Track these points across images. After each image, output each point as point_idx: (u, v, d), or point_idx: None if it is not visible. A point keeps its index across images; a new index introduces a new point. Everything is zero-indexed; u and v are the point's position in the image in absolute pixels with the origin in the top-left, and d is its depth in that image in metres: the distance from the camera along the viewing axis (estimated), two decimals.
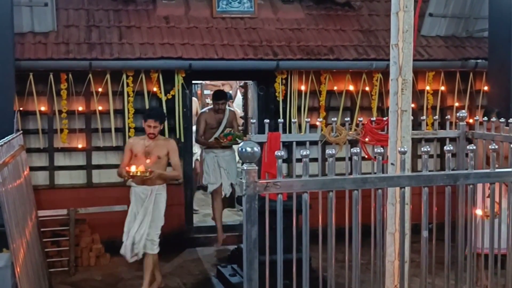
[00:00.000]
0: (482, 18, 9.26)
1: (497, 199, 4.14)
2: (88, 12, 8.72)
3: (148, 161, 6.81)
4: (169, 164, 7.03)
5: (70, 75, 8.15)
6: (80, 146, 8.43)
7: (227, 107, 8.83)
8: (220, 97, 8.70)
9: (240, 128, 10.36)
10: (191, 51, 8.36)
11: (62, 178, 8.45)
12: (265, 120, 6.12)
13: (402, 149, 3.30)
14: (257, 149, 2.99)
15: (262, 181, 3.03)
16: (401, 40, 4.49)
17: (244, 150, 2.96)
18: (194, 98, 10.81)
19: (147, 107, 8.39)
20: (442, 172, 3.32)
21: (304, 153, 3.12)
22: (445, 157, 3.55)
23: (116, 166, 8.30)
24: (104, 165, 8.55)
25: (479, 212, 4.98)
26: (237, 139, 8.53)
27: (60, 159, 8.44)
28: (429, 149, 3.33)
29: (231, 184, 8.68)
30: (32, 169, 7.96)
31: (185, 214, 8.85)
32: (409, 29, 4.51)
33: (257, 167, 3.00)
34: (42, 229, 7.36)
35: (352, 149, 3.27)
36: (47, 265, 7.23)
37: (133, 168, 6.70)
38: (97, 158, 8.53)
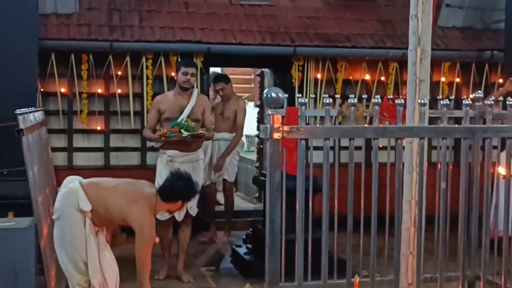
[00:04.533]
0: (499, 10, 9.32)
1: None
2: None
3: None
4: None
5: (91, 57, 8.26)
6: (98, 128, 8.54)
7: (196, 89, 6.92)
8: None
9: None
10: (210, 36, 8.49)
11: (81, 159, 8.58)
12: (284, 95, 6.16)
13: (422, 101, 3.38)
14: (281, 94, 3.08)
15: (286, 126, 3.11)
16: (421, 11, 4.59)
17: (269, 95, 3.05)
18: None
19: (165, 91, 8.43)
20: (460, 126, 3.41)
21: (327, 101, 3.20)
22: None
23: (134, 149, 8.50)
24: (122, 148, 8.66)
25: (501, 170, 4.92)
26: (182, 130, 6.20)
27: (79, 141, 8.56)
28: (448, 102, 3.41)
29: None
30: (52, 149, 8.08)
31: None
32: (428, 1, 4.62)
33: (281, 112, 3.08)
34: None
35: (373, 100, 3.34)
36: None
37: None
38: (115, 141, 8.64)
